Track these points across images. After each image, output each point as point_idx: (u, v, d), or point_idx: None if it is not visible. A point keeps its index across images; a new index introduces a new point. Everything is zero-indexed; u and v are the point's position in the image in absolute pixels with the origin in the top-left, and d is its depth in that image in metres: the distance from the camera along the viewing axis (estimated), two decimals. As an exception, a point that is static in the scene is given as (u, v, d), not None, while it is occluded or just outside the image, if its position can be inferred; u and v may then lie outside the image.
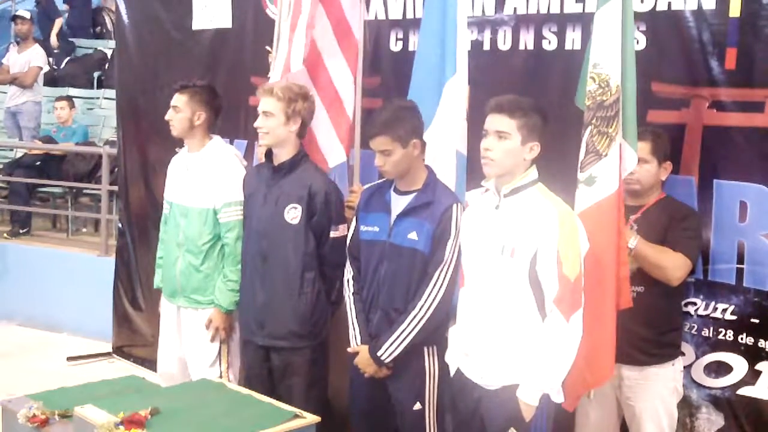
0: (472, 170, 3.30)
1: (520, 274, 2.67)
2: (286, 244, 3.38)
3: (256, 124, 3.40)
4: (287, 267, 3.39)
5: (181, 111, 3.71)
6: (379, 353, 3.04)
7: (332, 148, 3.73)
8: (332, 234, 3.39)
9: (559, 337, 2.62)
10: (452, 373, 2.90)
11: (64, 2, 10.22)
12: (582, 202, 2.92)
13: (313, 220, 3.37)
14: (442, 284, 2.98)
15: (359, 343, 3.14)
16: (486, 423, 2.76)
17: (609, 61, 2.87)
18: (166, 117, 3.75)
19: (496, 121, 2.70)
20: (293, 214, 3.38)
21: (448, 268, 2.98)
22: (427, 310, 2.98)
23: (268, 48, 4.00)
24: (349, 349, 3.17)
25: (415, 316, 2.99)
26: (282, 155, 3.43)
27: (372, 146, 3.05)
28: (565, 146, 3.24)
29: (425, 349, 3.07)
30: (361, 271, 3.19)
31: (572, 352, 2.64)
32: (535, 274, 2.65)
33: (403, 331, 3.00)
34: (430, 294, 2.98)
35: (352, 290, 3.22)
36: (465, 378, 2.83)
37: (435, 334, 3.03)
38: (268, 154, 3.50)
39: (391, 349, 3.02)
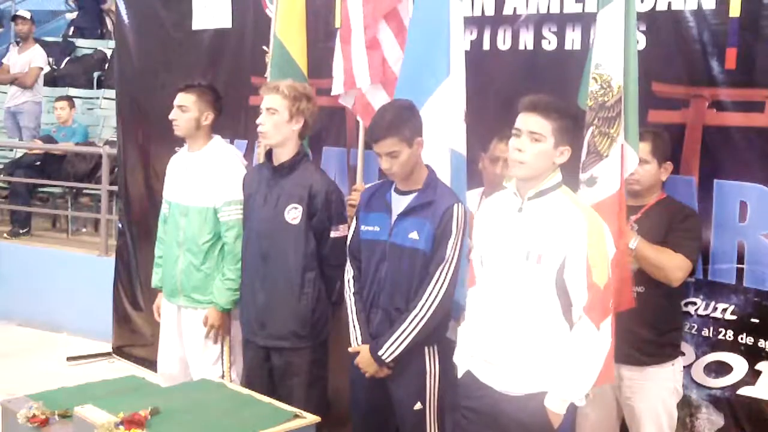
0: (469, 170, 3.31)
1: (546, 281, 2.59)
2: (287, 245, 3.38)
3: (258, 121, 3.40)
4: (288, 267, 3.39)
5: (189, 110, 3.70)
6: (379, 353, 3.04)
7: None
8: (333, 234, 3.39)
9: (589, 346, 2.56)
10: (460, 374, 2.84)
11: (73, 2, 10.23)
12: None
13: (314, 220, 3.37)
14: (443, 284, 2.98)
15: (360, 342, 3.13)
16: (507, 429, 2.69)
17: (611, 61, 2.87)
18: (171, 116, 3.73)
19: (530, 122, 2.58)
20: (294, 214, 3.37)
21: (449, 268, 2.98)
22: (428, 309, 2.98)
23: (265, 48, 4.01)
24: (349, 349, 3.16)
25: (416, 316, 2.99)
26: (282, 155, 3.43)
27: (377, 150, 3.02)
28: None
29: (426, 349, 3.07)
30: (362, 271, 3.19)
31: (601, 360, 2.59)
32: (562, 281, 2.58)
33: (404, 330, 3.00)
34: (431, 293, 2.98)
35: (352, 290, 3.22)
36: (476, 380, 2.76)
37: (436, 333, 3.03)
38: (268, 154, 3.50)
39: (392, 348, 3.02)
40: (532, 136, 2.57)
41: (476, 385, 2.76)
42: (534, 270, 2.60)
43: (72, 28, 10.12)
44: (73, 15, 10.42)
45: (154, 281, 3.99)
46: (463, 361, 2.84)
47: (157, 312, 3.99)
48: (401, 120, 3.02)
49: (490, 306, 2.72)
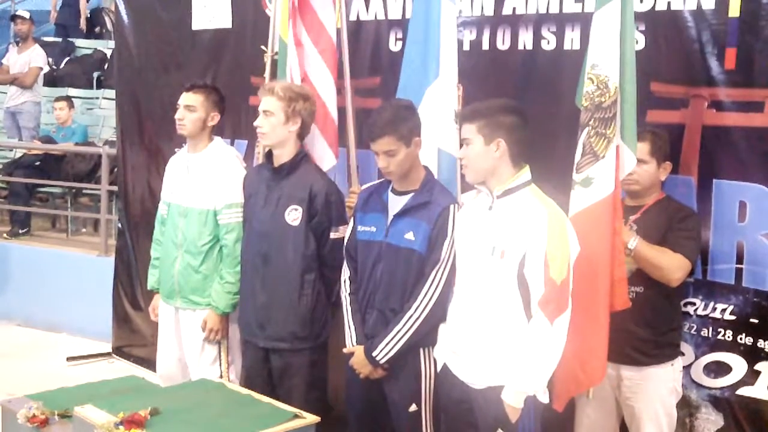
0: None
1: (508, 276, 2.68)
2: (287, 246, 3.38)
3: (255, 123, 3.41)
4: (288, 268, 3.38)
5: (196, 111, 3.69)
6: (374, 353, 3.04)
7: (323, 153, 3.73)
8: (332, 235, 3.38)
9: (542, 340, 2.63)
10: (439, 368, 2.94)
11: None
12: (578, 203, 2.92)
13: (314, 221, 3.37)
14: (438, 285, 2.98)
15: (355, 343, 3.14)
16: (477, 421, 2.78)
17: (608, 62, 2.87)
18: (177, 116, 3.72)
19: (461, 132, 2.79)
20: (294, 215, 3.37)
21: (444, 269, 2.98)
22: (423, 310, 2.98)
23: (263, 47, 4.01)
24: (344, 350, 3.17)
25: (410, 317, 2.99)
26: (282, 156, 3.43)
27: (375, 148, 3.04)
28: (562, 145, 3.24)
29: (421, 351, 3.06)
30: (358, 272, 3.19)
31: (556, 355, 2.65)
32: (523, 276, 2.67)
33: (399, 331, 3.00)
34: (425, 294, 2.98)
35: (348, 290, 3.22)
36: (451, 374, 2.85)
37: (431, 335, 3.02)
38: (268, 155, 3.50)
39: (387, 349, 3.02)
40: (464, 142, 2.77)
41: (452, 380, 2.85)
42: (497, 265, 2.70)
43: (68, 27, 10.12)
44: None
45: (150, 283, 3.98)
46: (441, 355, 2.93)
47: (154, 313, 3.99)
48: (399, 119, 3.02)
49: (460, 301, 2.83)
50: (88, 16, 10.32)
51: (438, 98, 3.28)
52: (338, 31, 3.79)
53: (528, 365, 2.65)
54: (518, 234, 2.67)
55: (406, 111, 3.08)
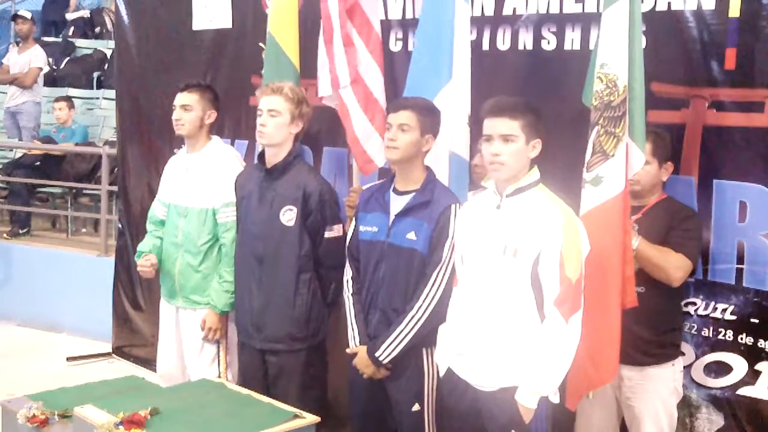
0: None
1: (521, 275, 2.65)
2: (282, 247, 3.38)
3: (260, 122, 3.38)
4: (283, 269, 3.38)
5: (193, 110, 3.70)
6: (377, 354, 3.04)
7: (377, 152, 3.67)
8: (327, 234, 3.38)
9: (558, 339, 2.61)
10: (442, 373, 2.89)
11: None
12: (588, 202, 2.92)
13: (308, 221, 3.37)
14: (440, 285, 2.98)
15: (358, 343, 3.14)
16: (486, 424, 2.75)
17: (616, 61, 2.87)
18: (174, 117, 3.73)
19: (499, 125, 2.68)
20: (289, 216, 3.37)
21: (445, 269, 2.98)
22: (425, 310, 2.98)
23: (261, 44, 4.01)
24: (347, 350, 3.17)
25: (413, 317, 2.99)
26: (276, 157, 3.42)
27: (391, 120, 3.04)
28: (563, 146, 3.24)
29: (424, 350, 3.06)
30: (360, 272, 3.19)
31: (571, 354, 2.63)
32: (536, 275, 2.64)
33: (402, 331, 3.00)
34: (428, 295, 2.98)
35: (351, 291, 3.22)
36: (457, 378, 2.81)
37: (433, 335, 3.01)
38: (260, 155, 3.49)
39: (390, 349, 3.02)
40: (504, 138, 2.67)
41: (458, 384, 2.81)
42: (510, 264, 2.66)
43: (72, 29, 10.12)
44: (74, 15, 10.41)
45: (140, 246, 3.89)
46: (444, 359, 2.89)
47: (148, 262, 3.79)
48: (428, 107, 3.08)
49: (469, 302, 2.79)
50: (88, 16, 10.32)
51: (451, 101, 3.27)
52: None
53: (543, 365, 2.62)
54: (532, 233, 2.64)
55: (434, 108, 3.13)
